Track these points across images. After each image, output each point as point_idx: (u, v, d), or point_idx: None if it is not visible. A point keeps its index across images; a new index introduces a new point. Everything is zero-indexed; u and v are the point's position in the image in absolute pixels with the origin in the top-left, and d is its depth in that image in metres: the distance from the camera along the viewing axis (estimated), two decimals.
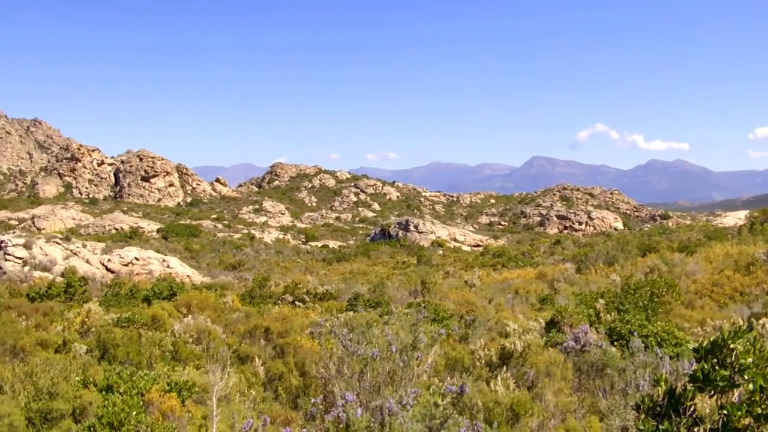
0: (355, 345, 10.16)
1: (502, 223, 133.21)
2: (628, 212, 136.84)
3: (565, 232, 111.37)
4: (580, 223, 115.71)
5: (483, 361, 13.72)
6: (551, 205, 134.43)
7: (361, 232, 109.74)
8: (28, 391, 10.51)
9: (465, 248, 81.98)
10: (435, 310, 20.24)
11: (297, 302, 28.84)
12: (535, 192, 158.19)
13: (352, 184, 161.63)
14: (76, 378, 10.87)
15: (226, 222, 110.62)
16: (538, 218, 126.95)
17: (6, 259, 40.88)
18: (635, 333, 15.03)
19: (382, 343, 10.39)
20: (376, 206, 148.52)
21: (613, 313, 18.63)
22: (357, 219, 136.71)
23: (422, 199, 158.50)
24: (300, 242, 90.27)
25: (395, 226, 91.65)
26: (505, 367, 13.03)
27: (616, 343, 15.37)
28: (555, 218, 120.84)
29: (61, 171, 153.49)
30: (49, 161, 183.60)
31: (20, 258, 41.18)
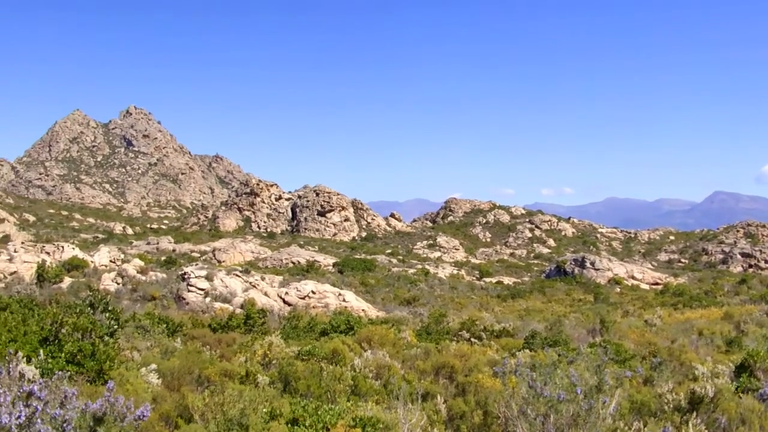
0: (541, 386, 9.97)
1: (682, 260, 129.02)
2: None
3: (750, 270, 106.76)
4: (767, 262, 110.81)
5: (671, 406, 13.21)
6: (735, 243, 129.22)
7: (536, 268, 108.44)
8: (218, 420, 10.76)
9: (643, 286, 79.75)
10: (617, 350, 19.72)
11: (473, 339, 28.65)
12: (718, 228, 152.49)
13: (527, 220, 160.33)
14: (264, 410, 11.06)
15: (400, 257, 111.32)
16: (721, 256, 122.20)
17: (189, 290, 42.27)
18: None
19: (567, 385, 10.16)
20: (551, 242, 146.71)
21: None
22: (532, 255, 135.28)
23: (598, 235, 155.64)
24: (474, 278, 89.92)
25: (571, 263, 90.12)
26: (695, 413, 12.51)
27: None
28: (739, 256, 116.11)
29: (240, 205, 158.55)
30: (229, 196, 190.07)
31: (202, 289, 42.52)
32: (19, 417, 6.22)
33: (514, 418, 10.27)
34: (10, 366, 6.87)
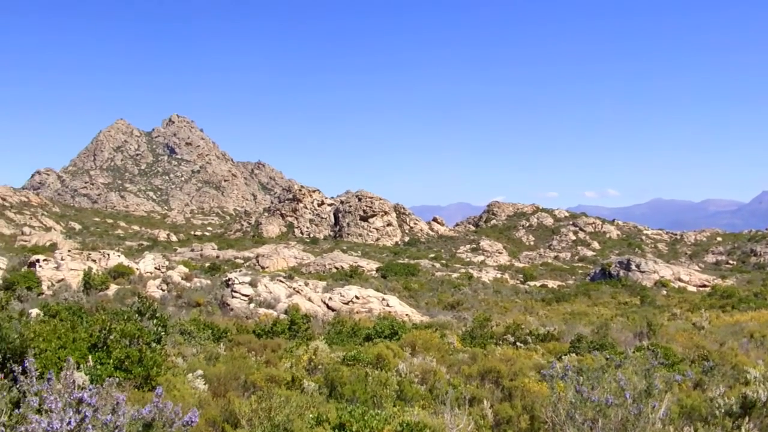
0: (589, 390, 9.90)
1: (730, 262, 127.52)
2: None
3: None
4: None
5: (722, 410, 13.03)
6: None
7: (580, 271, 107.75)
8: (264, 426, 10.80)
9: (690, 288, 78.98)
10: (665, 353, 19.53)
11: (518, 343, 28.52)
12: (766, 229, 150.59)
13: (571, 223, 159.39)
14: (310, 415, 11.08)
15: (443, 261, 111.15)
16: None
17: (233, 296, 42.49)
18: None
19: (615, 389, 10.07)
20: (595, 245, 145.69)
21: None
22: (576, 258, 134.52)
23: (643, 237, 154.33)
24: (518, 281, 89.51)
25: (616, 266, 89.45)
26: (747, 418, 12.33)
27: None
28: None
29: (283, 211, 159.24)
30: (272, 202, 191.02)
31: (246, 295, 42.71)
32: (69, 423, 6.28)
33: (561, 422, 10.20)
34: (66, 373, 6.94)
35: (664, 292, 71.98)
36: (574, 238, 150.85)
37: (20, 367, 7.32)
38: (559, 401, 10.39)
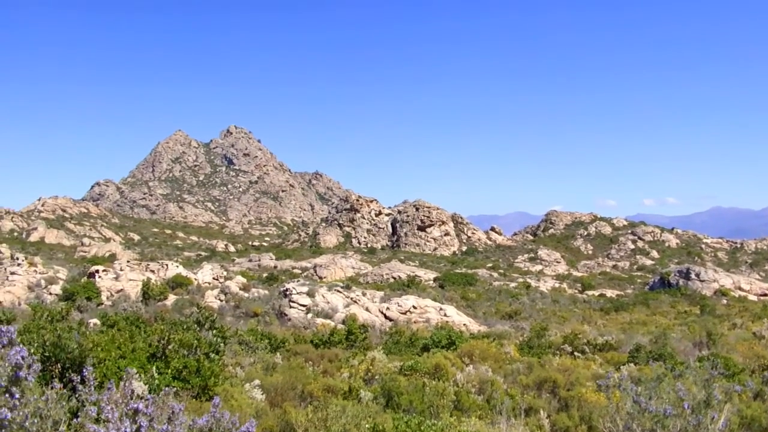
0: (647, 401, 9.77)
1: None
2: None
3: None
4: None
5: None
6: None
7: (639, 280, 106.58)
8: None
9: (751, 297, 77.68)
10: (725, 364, 19.22)
11: (576, 353, 28.28)
12: None
13: (629, 231, 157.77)
14: (366, 425, 11.07)
15: (501, 270, 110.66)
16: None
17: (291, 306, 42.68)
18: None
19: (674, 399, 9.93)
20: (654, 254, 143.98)
21: None
22: (635, 267, 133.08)
23: (703, 246, 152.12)
24: (576, 291, 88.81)
25: (675, 275, 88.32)
26: None
27: None
28: None
29: (341, 221, 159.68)
30: (329, 212, 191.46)
31: (304, 305, 42.89)
32: None
33: None
34: (124, 383, 7.01)
35: (725, 302, 70.88)
36: (632, 247, 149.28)
37: (79, 377, 7.40)
38: (616, 412, 10.28)
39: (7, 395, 6.66)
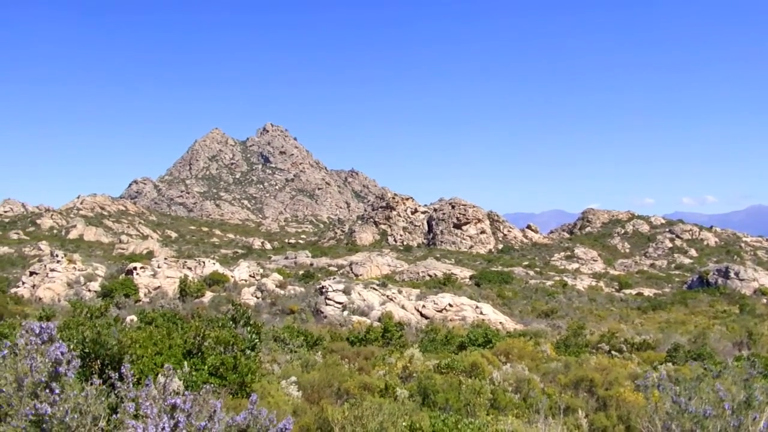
0: (686, 401, 9.66)
1: None
2: None
3: None
4: None
5: None
6: None
7: (677, 279, 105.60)
8: None
9: None
10: (766, 364, 19.02)
11: (613, 352, 28.11)
12: None
13: (667, 230, 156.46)
14: (403, 423, 11.04)
15: (537, 269, 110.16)
16: None
17: (327, 304, 42.73)
18: None
19: (713, 400, 9.83)
20: (692, 252, 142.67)
21: None
22: (672, 266, 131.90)
23: (742, 244, 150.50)
24: (613, 290, 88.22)
25: (714, 273, 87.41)
26: None
27: None
28: None
29: (377, 219, 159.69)
30: (365, 210, 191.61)
31: (340, 303, 42.92)
32: (164, 429, 6.36)
33: None
34: (161, 379, 7.04)
35: (765, 301, 70.10)
36: (670, 245, 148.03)
37: (117, 374, 7.45)
38: (655, 412, 10.18)
39: (47, 391, 6.72)
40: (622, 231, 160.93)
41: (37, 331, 7.43)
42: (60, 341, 7.34)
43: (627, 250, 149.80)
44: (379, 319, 38.88)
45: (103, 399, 6.98)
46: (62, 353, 7.05)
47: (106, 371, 10.57)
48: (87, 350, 11.88)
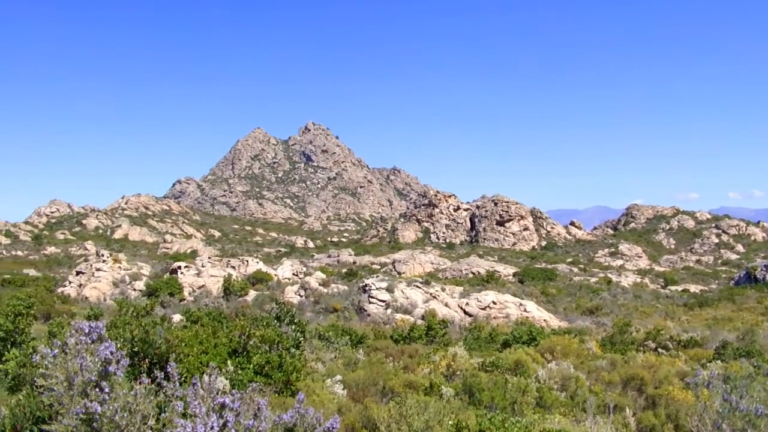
0: (737, 399, 9.53)
1: None
2: None
3: None
4: None
5: None
6: None
7: (723, 275, 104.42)
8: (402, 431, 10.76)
9: None
10: None
11: (660, 349, 27.84)
12: None
13: (713, 225, 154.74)
14: (449, 422, 10.98)
15: (581, 265, 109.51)
16: None
17: (370, 302, 42.72)
18: None
19: (765, 398, 9.69)
20: (739, 248, 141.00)
21: None
22: (719, 262, 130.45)
23: None
24: (659, 286, 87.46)
25: (762, 269, 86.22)
26: None
27: None
28: None
29: (419, 217, 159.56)
30: (407, 208, 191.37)
31: (383, 301, 42.89)
32: (213, 428, 6.38)
33: None
34: (208, 378, 7.06)
35: None
36: (716, 241, 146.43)
37: (162, 373, 7.48)
38: (705, 410, 10.04)
39: (97, 389, 6.76)
40: (667, 227, 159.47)
41: (87, 331, 7.49)
42: (109, 340, 7.39)
43: (672, 246, 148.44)
44: (423, 317, 38.84)
45: (151, 398, 7.02)
46: (111, 352, 7.10)
47: (154, 370, 10.64)
48: (135, 349, 11.96)
